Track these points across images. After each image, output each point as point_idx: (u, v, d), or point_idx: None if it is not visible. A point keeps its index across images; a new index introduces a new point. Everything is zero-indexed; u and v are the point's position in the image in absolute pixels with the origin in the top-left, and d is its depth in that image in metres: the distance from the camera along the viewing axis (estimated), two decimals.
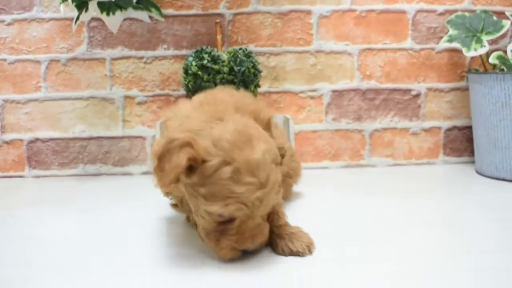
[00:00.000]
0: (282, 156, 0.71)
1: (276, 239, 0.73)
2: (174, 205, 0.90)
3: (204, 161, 0.63)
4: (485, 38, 1.21)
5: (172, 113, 0.78)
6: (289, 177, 0.98)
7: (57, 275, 0.67)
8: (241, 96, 0.78)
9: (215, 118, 0.68)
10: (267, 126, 0.72)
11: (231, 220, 0.66)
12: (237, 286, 0.63)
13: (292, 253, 0.71)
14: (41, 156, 1.33)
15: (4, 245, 0.80)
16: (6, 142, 1.32)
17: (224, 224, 0.67)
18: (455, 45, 1.24)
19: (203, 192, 0.64)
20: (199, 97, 0.79)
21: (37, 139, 1.33)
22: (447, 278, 0.63)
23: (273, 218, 0.75)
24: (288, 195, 1.03)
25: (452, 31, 1.26)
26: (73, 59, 1.31)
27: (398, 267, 0.67)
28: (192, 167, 0.64)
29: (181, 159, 0.62)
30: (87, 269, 0.69)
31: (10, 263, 0.72)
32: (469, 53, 1.21)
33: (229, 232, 0.67)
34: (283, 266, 0.68)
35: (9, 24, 1.30)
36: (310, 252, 0.72)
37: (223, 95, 0.76)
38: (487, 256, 0.71)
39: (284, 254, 0.72)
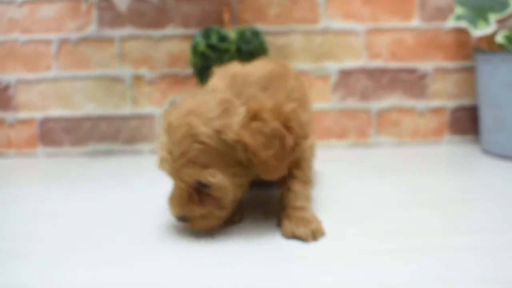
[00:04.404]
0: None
1: (284, 220, 0.73)
2: None
3: None
4: (492, 17, 1.21)
5: None
6: None
7: (66, 250, 0.68)
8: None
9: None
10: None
11: None
12: (242, 254, 0.66)
13: (295, 236, 0.71)
14: (53, 134, 1.36)
15: (15, 220, 0.82)
16: (19, 121, 1.35)
17: None
18: (462, 23, 1.24)
19: None
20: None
21: (49, 118, 1.35)
22: (451, 256, 0.64)
23: (291, 197, 0.75)
24: None
25: (459, 10, 1.26)
26: (83, 39, 1.33)
27: (401, 245, 0.68)
28: None
29: None
30: (96, 245, 0.70)
31: (19, 237, 0.73)
32: (476, 32, 1.21)
33: None
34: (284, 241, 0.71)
35: (20, 5, 1.32)
36: (315, 238, 0.70)
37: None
38: (492, 235, 0.71)
39: (286, 236, 0.71)
